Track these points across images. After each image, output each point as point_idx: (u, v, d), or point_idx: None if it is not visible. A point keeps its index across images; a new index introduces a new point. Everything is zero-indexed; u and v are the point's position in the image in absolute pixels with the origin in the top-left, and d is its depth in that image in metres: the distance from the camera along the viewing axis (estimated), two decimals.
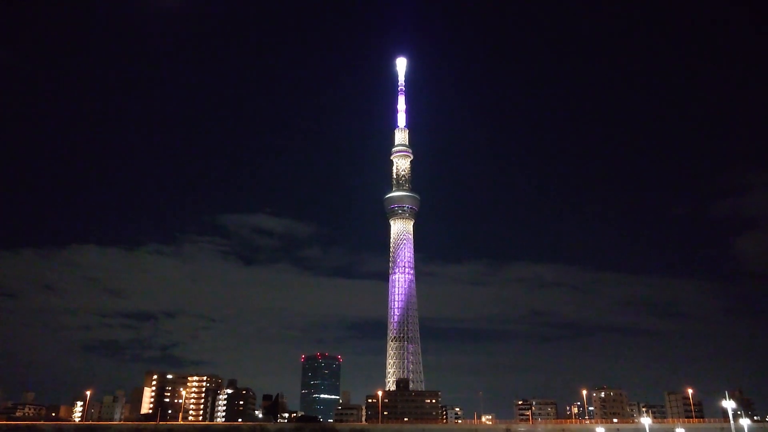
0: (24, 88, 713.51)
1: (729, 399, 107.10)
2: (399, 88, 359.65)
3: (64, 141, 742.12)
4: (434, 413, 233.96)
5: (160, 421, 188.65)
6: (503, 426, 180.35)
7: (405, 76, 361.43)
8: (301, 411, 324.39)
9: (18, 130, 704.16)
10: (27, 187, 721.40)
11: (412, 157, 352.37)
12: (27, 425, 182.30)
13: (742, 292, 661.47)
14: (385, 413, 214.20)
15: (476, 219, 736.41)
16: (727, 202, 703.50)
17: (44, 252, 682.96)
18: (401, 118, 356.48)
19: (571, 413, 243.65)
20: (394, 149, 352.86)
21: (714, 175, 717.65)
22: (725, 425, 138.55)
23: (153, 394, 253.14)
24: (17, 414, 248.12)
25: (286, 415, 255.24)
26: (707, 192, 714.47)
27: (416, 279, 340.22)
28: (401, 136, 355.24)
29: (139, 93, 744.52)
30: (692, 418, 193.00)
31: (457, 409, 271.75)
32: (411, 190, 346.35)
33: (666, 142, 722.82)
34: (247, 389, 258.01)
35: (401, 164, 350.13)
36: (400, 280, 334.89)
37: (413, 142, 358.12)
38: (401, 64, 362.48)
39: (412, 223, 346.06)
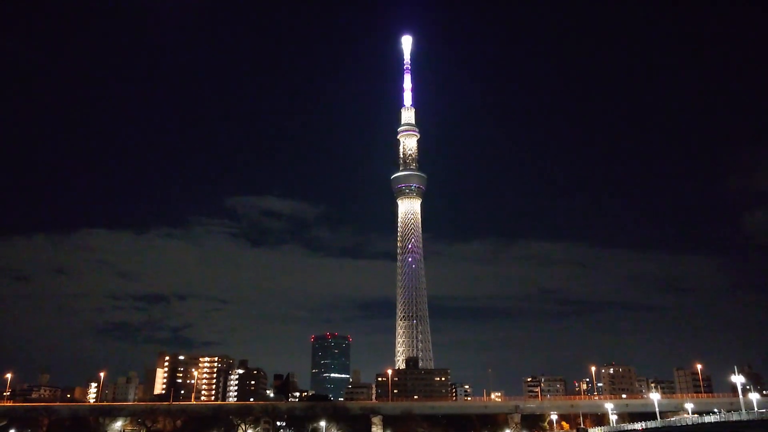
0: (32, 76, 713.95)
1: (738, 374, 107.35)
2: (405, 67, 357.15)
3: (73, 126, 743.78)
4: (444, 391, 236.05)
5: (173, 401, 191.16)
6: (512, 403, 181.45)
7: (411, 54, 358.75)
8: (311, 390, 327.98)
9: (27, 116, 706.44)
10: (37, 172, 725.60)
11: (418, 136, 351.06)
12: (44, 407, 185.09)
13: (751, 267, 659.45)
14: (395, 391, 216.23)
15: (483, 197, 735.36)
16: (737, 178, 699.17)
17: (55, 236, 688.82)
18: (407, 97, 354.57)
19: (580, 389, 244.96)
20: (401, 128, 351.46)
21: (725, 151, 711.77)
22: (734, 400, 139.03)
23: (165, 374, 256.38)
24: (33, 396, 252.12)
25: (297, 394, 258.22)
26: (717, 168, 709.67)
27: (424, 258, 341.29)
28: (408, 115, 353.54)
29: (148, 77, 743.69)
30: (701, 393, 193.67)
31: (467, 387, 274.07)
32: (418, 169, 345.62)
33: (676, 118, 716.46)
34: (258, 369, 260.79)
35: (408, 143, 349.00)
36: (408, 260, 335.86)
37: (420, 121, 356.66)
38: (407, 42, 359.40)
39: (419, 202, 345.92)
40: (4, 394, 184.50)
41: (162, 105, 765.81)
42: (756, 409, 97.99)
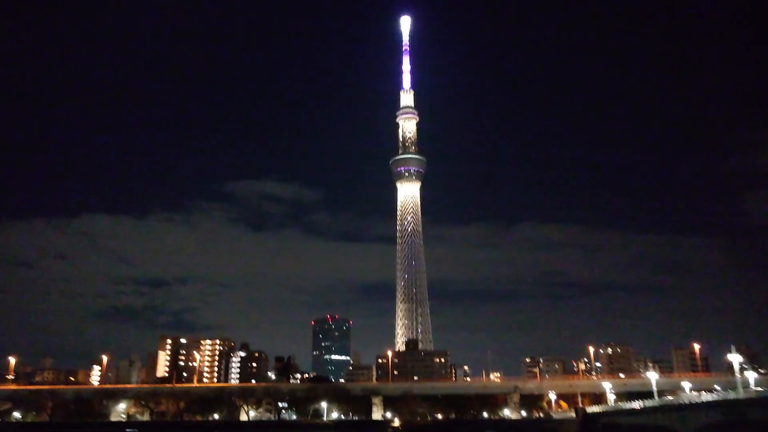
0: (31, 60, 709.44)
1: (735, 353, 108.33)
2: (404, 49, 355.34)
3: (72, 111, 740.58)
4: (443, 372, 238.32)
5: (176, 383, 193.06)
6: (511, 383, 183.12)
7: (409, 36, 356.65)
8: (312, 372, 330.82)
9: (26, 101, 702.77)
10: (37, 158, 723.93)
11: (417, 119, 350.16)
12: (48, 390, 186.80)
13: (749, 247, 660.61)
14: (395, 373, 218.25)
15: (483, 180, 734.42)
16: (737, 158, 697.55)
17: (56, 222, 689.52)
18: (406, 80, 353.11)
19: (578, 370, 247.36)
20: (400, 111, 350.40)
21: (725, 132, 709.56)
22: (731, 379, 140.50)
23: (168, 357, 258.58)
24: (37, 379, 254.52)
25: (299, 376, 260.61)
26: (718, 148, 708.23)
27: (424, 241, 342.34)
28: (407, 98, 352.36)
29: (148, 62, 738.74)
30: (698, 372, 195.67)
31: (466, 368, 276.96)
32: (417, 152, 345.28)
33: (676, 99, 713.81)
34: (259, 352, 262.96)
35: (407, 126, 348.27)
36: (408, 243, 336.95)
37: (419, 104, 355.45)
38: (405, 23, 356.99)
39: (419, 185, 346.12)
40: (8, 377, 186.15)
41: (161, 90, 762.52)
42: (753, 387, 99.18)
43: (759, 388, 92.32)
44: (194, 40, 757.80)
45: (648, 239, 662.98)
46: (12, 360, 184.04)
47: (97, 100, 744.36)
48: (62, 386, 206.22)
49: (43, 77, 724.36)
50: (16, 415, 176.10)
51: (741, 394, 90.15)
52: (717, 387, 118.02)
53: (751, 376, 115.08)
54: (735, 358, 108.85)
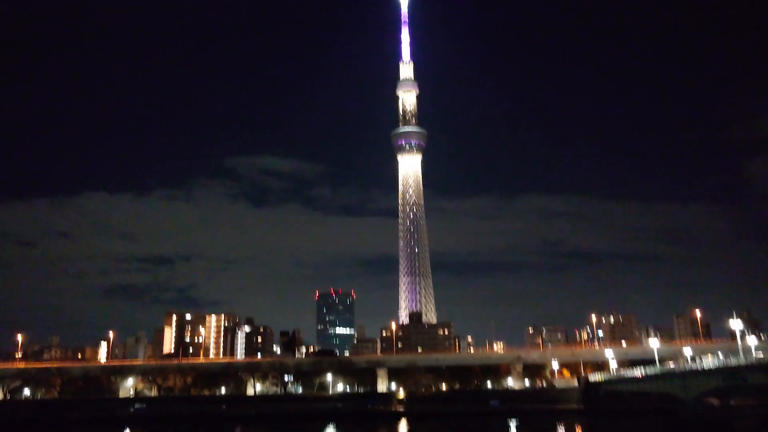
0: (29, 38, 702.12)
1: (736, 319, 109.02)
2: (402, 20, 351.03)
3: (71, 89, 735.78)
4: (447, 344, 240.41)
5: (182, 359, 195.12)
6: (514, 353, 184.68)
7: (408, 7, 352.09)
8: (317, 346, 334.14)
9: (25, 79, 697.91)
10: (37, 136, 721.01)
11: (417, 91, 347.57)
12: (56, 367, 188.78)
13: (751, 214, 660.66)
14: (399, 345, 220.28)
15: (485, 152, 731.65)
16: (739, 125, 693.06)
17: (57, 200, 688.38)
18: (406, 51, 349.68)
19: (580, 339, 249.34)
20: (400, 84, 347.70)
21: (725, 99, 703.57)
22: (732, 345, 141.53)
23: (174, 334, 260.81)
24: (45, 357, 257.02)
25: (304, 349, 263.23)
26: (720, 115, 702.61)
27: (426, 214, 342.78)
28: (406, 70, 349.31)
29: (147, 38, 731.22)
30: (700, 339, 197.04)
31: (469, 339, 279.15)
32: (418, 124, 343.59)
33: (676, 67, 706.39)
34: (264, 326, 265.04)
35: (407, 99, 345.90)
36: (410, 216, 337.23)
37: (419, 76, 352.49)
38: None
39: (420, 158, 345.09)
40: (17, 355, 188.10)
41: (160, 65, 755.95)
42: (754, 353, 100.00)
43: (760, 354, 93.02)
44: (193, 16, 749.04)
45: (649, 208, 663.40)
46: (20, 338, 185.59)
47: (97, 78, 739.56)
48: (70, 363, 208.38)
49: (42, 56, 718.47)
50: (26, 392, 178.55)
51: (742, 360, 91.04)
52: (719, 354, 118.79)
53: (752, 342, 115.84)
54: (736, 325, 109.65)
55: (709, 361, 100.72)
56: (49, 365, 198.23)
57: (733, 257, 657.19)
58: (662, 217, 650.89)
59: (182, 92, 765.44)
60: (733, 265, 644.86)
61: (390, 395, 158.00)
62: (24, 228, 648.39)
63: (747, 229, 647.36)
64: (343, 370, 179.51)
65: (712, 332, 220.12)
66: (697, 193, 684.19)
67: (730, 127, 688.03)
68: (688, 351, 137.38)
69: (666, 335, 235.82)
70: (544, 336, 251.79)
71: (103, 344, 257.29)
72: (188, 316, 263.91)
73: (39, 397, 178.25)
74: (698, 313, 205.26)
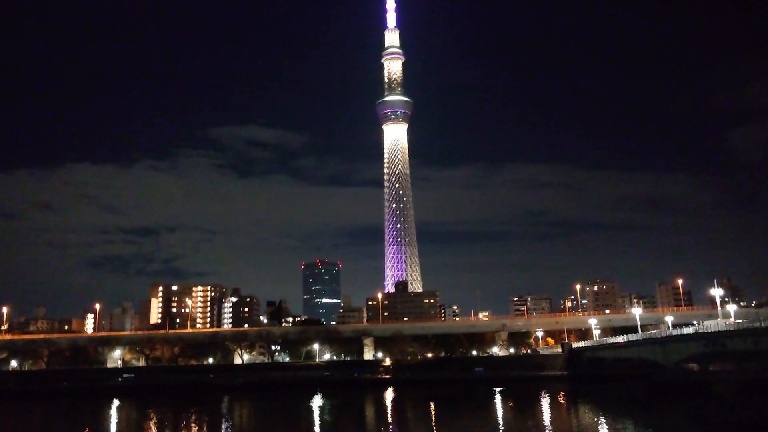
0: (10, 8, 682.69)
1: (717, 287, 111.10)
2: None
3: (54, 59, 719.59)
4: (432, 312, 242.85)
5: (169, 329, 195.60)
6: (499, 321, 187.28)
7: None
8: (304, 315, 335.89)
9: (6, 50, 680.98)
10: (18, 107, 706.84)
11: (403, 59, 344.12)
12: (43, 339, 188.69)
13: (732, 184, 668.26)
14: (385, 314, 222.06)
15: (470, 121, 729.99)
16: (723, 95, 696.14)
17: (39, 172, 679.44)
18: (391, 18, 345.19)
19: (565, 307, 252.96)
20: (385, 52, 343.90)
21: (709, 68, 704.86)
22: (713, 311, 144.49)
23: (160, 305, 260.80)
24: (31, 329, 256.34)
25: (290, 319, 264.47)
26: (704, 85, 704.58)
27: (411, 184, 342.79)
28: (391, 38, 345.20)
29: (131, 11, 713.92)
30: (681, 306, 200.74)
31: (455, 308, 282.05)
32: (403, 93, 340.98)
33: (661, 36, 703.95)
34: (251, 297, 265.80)
35: (393, 67, 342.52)
36: (396, 186, 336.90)
37: (405, 43, 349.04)
38: None
39: (405, 127, 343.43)
40: (2, 327, 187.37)
41: (142, 36, 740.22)
42: (733, 319, 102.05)
43: (739, 320, 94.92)
44: None
45: (633, 177, 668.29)
46: (4, 309, 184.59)
47: (78, 49, 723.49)
48: (57, 335, 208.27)
49: (24, 27, 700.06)
50: (13, 364, 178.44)
51: (721, 325, 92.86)
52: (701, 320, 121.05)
53: (732, 308, 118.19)
54: (717, 292, 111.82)
55: (689, 328, 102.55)
56: (35, 337, 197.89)
57: (715, 226, 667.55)
58: (646, 187, 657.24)
59: (165, 63, 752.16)
60: (715, 234, 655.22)
61: (376, 363, 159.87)
62: (6, 200, 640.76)
63: (729, 199, 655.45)
64: (330, 339, 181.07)
65: (694, 300, 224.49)
66: (680, 162, 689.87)
67: (714, 98, 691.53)
68: (669, 318, 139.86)
69: (649, 303, 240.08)
70: (528, 304, 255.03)
71: (90, 316, 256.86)
72: (174, 287, 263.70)
73: (26, 368, 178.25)
74: (680, 282, 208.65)
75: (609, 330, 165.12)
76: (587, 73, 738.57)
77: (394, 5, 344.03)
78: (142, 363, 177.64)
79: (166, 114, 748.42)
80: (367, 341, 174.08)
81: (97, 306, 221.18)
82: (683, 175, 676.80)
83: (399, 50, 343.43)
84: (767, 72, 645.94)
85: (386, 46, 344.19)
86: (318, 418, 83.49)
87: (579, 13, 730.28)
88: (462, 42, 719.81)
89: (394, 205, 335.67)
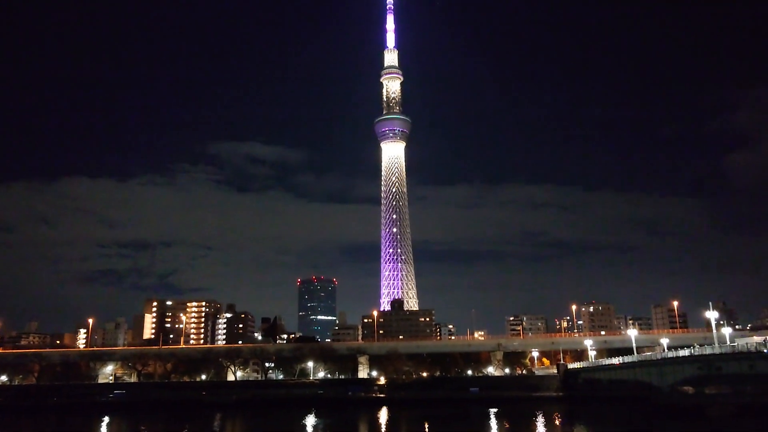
0: (10, 22, 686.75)
1: (712, 310, 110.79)
2: (387, 7, 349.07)
3: (53, 72, 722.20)
4: (428, 331, 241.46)
5: (162, 345, 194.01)
6: (495, 341, 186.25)
7: None
8: (298, 332, 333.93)
9: (5, 63, 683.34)
10: (17, 120, 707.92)
11: (402, 79, 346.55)
12: (35, 353, 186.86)
13: (728, 207, 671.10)
14: (380, 332, 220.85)
15: (469, 141, 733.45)
16: (717, 120, 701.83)
17: (36, 185, 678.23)
18: (390, 39, 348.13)
19: (560, 328, 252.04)
20: (384, 71, 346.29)
21: (706, 94, 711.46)
22: (708, 334, 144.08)
23: (154, 320, 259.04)
24: (22, 343, 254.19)
25: (285, 336, 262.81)
26: (699, 110, 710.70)
27: (409, 202, 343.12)
28: (390, 58, 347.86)
29: (129, 25, 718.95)
30: (677, 329, 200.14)
31: (451, 327, 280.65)
32: (401, 112, 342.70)
33: (658, 61, 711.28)
34: (245, 313, 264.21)
35: (391, 86, 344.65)
36: (393, 204, 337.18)
37: (403, 63, 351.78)
38: None
39: (403, 146, 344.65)
40: None
41: (142, 51, 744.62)
42: (728, 342, 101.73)
43: (734, 344, 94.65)
44: (178, 4, 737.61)
45: (629, 199, 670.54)
46: None
47: (78, 63, 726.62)
48: (49, 349, 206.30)
49: (23, 40, 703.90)
50: (3, 378, 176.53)
51: (717, 349, 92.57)
52: (696, 344, 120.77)
53: (727, 332, 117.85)
54: (712, 315, 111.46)
55: (684, 350, 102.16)
56: (26, 351, 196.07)
57: (710, 249, 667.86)
58: (642, 209, 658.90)
59: (166, 78, 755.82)
60: (710, 257, 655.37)
61: (371, 382, 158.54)
62: (2, 213, 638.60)
63: (724, 222, 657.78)
64: (325, 356, 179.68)
65: (689, 322, 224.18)
66: (676, 185, 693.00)
67: (709, 123, 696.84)
68: (665, 340, 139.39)
69: (644, 325, 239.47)
70: (524, 324, 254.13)
71: (82, 330, 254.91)
72: (169, 303, 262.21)
73: (16, 383, 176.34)
74: (675, 304, 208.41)
75: (604, 351, 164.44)
76: (585, 95, 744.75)
77: (393, 27, 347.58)
78: (134, 379, 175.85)
79: (166, 129, 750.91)
80: (362, 359, 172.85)
81: (90, 320, 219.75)
82: (679, 198, 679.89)
83: (398, 70, 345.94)
84: (759, 99, 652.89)
85: (385, 65, 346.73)
86: None
87: (577, 37, 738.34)
88: (460, 63, 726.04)
89: (391, 223, 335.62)
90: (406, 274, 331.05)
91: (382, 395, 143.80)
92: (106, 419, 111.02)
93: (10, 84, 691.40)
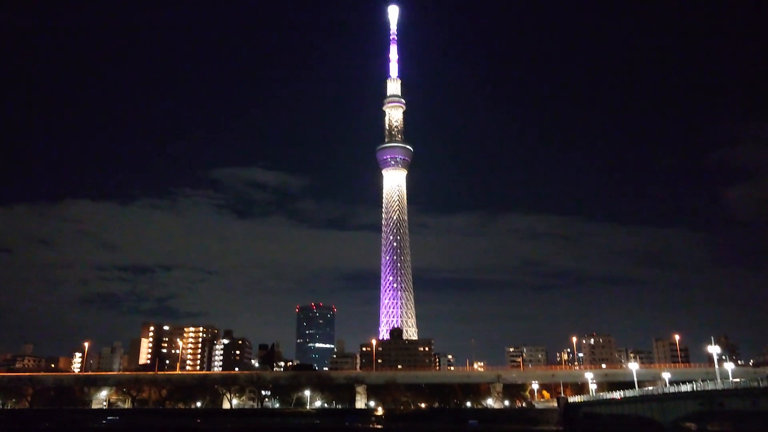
0: (14, 41, 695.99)
1: (714, 344, 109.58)
2: (391, 37, 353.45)
3: (56, 95, 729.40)
4: (427, 361, 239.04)
5: (158, 371, 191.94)
6: (495, 372, 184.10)
7: (397, 25, 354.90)
8: (296, 360, 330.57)
9: (8, 84, 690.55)
10: (20, 142, 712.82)
11: (404, 108, 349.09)
12: (29, 376, 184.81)
13: (729, 241, 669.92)
14: (379, 361, 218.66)
15: (470, 170, 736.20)
16: (718, 154, 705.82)
17: (38, 207, 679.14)
18: (393, 68, 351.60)
19: (561, 360, 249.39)
20: (387, 100, 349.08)
21: (706, 127, 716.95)
22: (710, 369, 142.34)
23: (150, 345, 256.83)
24: (17, 366, 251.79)
25: (282, 363, 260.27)
26: (699, 143, 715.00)
27: (409, 230, 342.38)
28: (393, 87, 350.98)
29: (132, 48, 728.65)
30: (678, 363, 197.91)
31: (450, 357, 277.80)
32: (403, 141, 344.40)
33: (659, 94, 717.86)
34: (243, 339, 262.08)
35: (394, 115, 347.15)
36: (393, 232, 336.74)
37: (406, 93, 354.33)
38: (393, 13, 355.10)
39: (405, 174, 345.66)
40: None
41: (146, 75, 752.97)
42: (731, 378, 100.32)
43: (737, 379, 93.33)
44: (179, 28, 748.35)
45: (630, 231, 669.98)
46: None
47: (81, 86, 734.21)
48: (43, 373, 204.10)
49: (26, 62, 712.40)
50: None
51: (719, 384, 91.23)
52: (699, 379, 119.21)
53: (730, 367, 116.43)
54: (714, 350, 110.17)
55: (686, 386, 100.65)
56: (20, 375, 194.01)
57: (711, 282, 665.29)
58: (643, 241, 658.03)
59: (169, 102, 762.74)
60: (711, 290, 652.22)
61: (368, 412, 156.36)
62: (3, 234, 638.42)
63: (725, 255, 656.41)
64: (322, 385, 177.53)
65: (691, 356, 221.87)
66: (677, 218, 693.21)
67: (710, 155, 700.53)
68: (666, 375, 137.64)
69: (645, 358, 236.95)
70: (524, 356, 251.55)
71: (77, 354, 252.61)
72: (166, 327, 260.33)
73: (9, 407, 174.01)
74: (677, 338, 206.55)
75: (605, 385, 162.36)
76: (587, 127, 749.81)
77: (396, 56, 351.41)
78: (128, 405, 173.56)
79: (168, 153, 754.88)
80: (360, 389, 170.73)
81: (86, 344, 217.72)
82: (680, 230, 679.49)
83: (400, 99, 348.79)
84: (760, 132, 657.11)
85: (388, 94, 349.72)
86: None
87: (578, 67, 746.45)
88: (463, 94, 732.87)
89: (391, 251, 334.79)
90: (405, 303, 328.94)
91: (379, 426, 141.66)
92: None
93: (13, 106, 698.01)
